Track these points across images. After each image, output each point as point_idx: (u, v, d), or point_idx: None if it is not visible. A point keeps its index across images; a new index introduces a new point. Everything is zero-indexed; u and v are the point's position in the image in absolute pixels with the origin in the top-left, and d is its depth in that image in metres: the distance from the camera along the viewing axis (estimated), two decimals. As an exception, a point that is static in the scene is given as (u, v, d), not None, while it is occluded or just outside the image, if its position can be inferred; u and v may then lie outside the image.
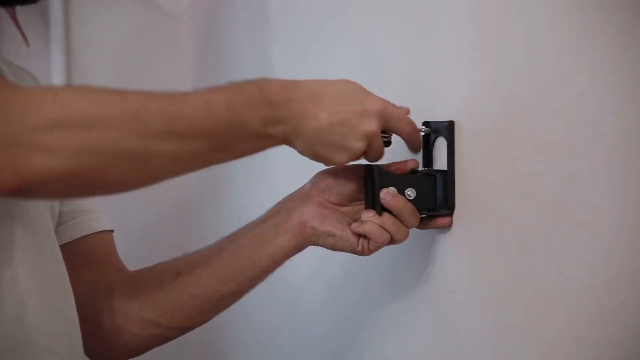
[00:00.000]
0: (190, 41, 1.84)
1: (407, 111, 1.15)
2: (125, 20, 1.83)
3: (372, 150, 1.11)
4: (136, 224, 1.83)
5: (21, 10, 1.57)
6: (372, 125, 1.09)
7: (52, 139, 0.89)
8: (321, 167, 1.20)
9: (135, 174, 0.95)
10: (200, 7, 1.83)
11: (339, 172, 1.20)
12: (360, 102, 1.09)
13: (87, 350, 1.23)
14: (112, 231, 1.29)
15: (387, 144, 1.14)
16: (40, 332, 1.07)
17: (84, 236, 1.25)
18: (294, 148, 1.07)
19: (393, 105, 1.12)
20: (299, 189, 1.22)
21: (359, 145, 1.09)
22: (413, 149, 1.19)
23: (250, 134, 1.02)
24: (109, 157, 0.92)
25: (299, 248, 1.21)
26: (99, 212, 1.27)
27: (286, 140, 1.06)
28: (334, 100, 1.07)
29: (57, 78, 1.76)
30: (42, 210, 1.13)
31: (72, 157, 0.90)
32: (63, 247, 1.21)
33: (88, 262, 1.24)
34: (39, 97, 0.91)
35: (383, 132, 1.12)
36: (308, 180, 1.22)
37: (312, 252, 1.24)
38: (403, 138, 1.16)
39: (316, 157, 1.09)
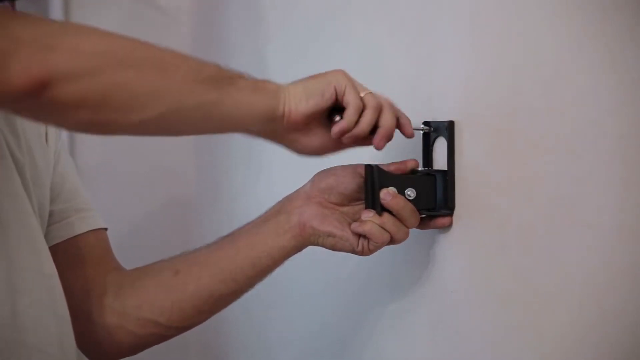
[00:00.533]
0: (190, 41, 1.84)
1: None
2: (125, 20, 1.83)
3: (350, 99, 1.11)
4: (135, 223, 1.83)
5: (21, 10, 1.57)
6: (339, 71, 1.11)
7: (70, 42, 0.94)
8: (320, 166, 1.20)
9: (148, 84, 0.98)
10: (200, 7, 1.83)
11: (339, 172, 1.20)
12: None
13: (85, 348, 1.23)
14: (106, 229, 1.28)
15: None
16: (32, 332, 1.08)
17: (78, 235, 1.24)
18: (289, 102, 1.08)
19: None
20: (299, 189, 1.22)
21: (337, 75, 1.10)
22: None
23: (243, 79, 1.05)
24: (124, 62, 0.96)
25: (298, 248, 1.21)
26: (92, 211, 1.27)
27: (279, 91, 1.07)
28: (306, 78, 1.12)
29: (57, 78, 1.76)
30: (30, 211, 1.13)
31: (89, 56, 0.94)
32: (57, 246, 1.21)
33: (83, 261, 1.24)
34: (53, 21, 0.98)
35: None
36: (307, 179, 1.22)
37: (312, 252, 1.24)
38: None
39: (308, 91, 1.09)
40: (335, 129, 1.10)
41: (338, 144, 1.13)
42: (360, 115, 1.10)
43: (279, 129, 1.09)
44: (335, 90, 1.09)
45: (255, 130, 1.09)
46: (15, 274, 1.07)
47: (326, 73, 1.11)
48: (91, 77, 0.94)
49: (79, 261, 1.23)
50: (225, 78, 1.04)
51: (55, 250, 1.19)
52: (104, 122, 0.98)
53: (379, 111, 1.11)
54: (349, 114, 1.10)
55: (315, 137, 1.11)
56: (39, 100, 0.92)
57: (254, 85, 1.06)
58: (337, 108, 1.10)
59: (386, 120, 1.12)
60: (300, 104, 1.07)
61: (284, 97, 1.07)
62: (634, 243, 1.00)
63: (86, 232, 1.25)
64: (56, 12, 1.79)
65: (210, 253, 1.24)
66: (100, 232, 1.27)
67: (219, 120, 1.05)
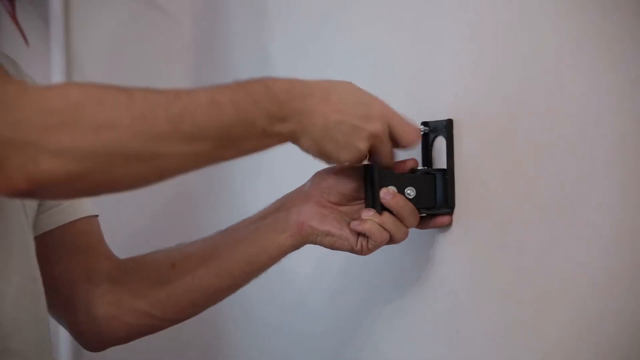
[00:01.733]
0: (191, 41, 1.84)
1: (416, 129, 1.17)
2: (125, 20, 1.83)
3: (381, 151, 1.12)
4: (135, 218, 1.82)
5: (21, 10, 1.57)
6: (377, 126, 1.09)
7: (61, 142, 0.90)
8: (320, 163, 1.20)
9: (142, 174, 0.96)
10: (200, 7, 1.82)
11: (339, 171, 1.20)
12: (367, 105, 1.10)
13: (78, 337, 1.24)
14: (96, 216, 1.28)
15: None
16: (15, 337, 1.07)
17: (70, 222, 1.24)
18: (299, 145, 1.07)
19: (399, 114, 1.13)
20: (298, 187, 1.22)
21: (363, 145, 1.09)
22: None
23: (257, 131, 1.02)
24: (117, 159, 0.93)
25: (296, 246, 1.21)
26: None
27: (292, 137, 1.06)
28: (341, 100, 1.08)
29: (57, 78, 1.77)
30: (16, 206, 1.13)
31: (81, 159, 0.91)
32: (49, 234, 1.21)
33: (75, 249, 1.23)
34: (48, 97, 0.92)
35: None
36: (308, 176, 1.22)
37: (313, 252, 1.24)
38: (403, 146, 1.15)
39: (320, 154, 1.09)
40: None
41: None
42: None
43: None
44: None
45: None
46: (5, 282, 1.07)
47: (357, 133, 1.09)
48: (83, 178, 0.92)
49: (72, 249, 1.23)
50: (237, 135, 1.01)
51: (48, 238, 1.19)
52: (104, 194, 0.98)
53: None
54: None
55: None
56: (33, 196, 0.93)
57: (267, 126, 1.03)
58: None
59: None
60: (310, 152, 1.08)
61: (295, 144, 1.07)
62: (633, 243, 1.00)
63: (78, 219, 1.24)
64: (56, 12, 1.79)
65: (207, 247, 1.23)
66: (92, 219, 1.26)
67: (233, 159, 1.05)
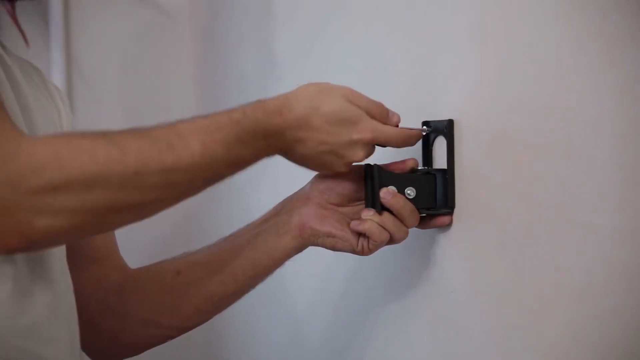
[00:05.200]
0: (190, 41, 1.84)
1: (398, 119, 1.15)
2: (125, 20, 1.83)
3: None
4: (137, 223, 1.82)
5: (21, 10, 1.57)
6: (359, 155, 1.12)
7: (54, 202, 0.93)
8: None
9: (132, 219, 1.00)
10: (200, 7, 1.83)
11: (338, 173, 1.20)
12: (350, 132, 1.11)
13: (88, 349, 1.23)
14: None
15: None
16: (48, 344, 1.07)
17: None
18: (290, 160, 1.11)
19: (384, 127, 1.13)
20: (299, 190, 1.23)
21: (343, 169, 1.13)
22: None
23: (244, 165, 1.06)
24: (109, 213, 0.97)
25: (298, 249, 1.21)
26: None
27: (277, 154, 1.10)
28: (322, 128, 1.09)
29: (57, 78, 1.76)
30: None
31: (74, 217, 0.94)
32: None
33: (90, 262, 1.24)
34: (41, 156, 0.93)
35: None
36: (308, 180, 1.22)
37: (312, 253, 1.24)
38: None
39: (313, 168, 1.15)
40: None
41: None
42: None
43: None
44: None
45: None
46: (41, 286, 1.07)
47: (338, 162, 1.11)
48: (77, 231, 0.96)
49: (87, 261, 1.23)
50: (225, 173, 1.05)
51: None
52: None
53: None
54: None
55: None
56: (28, 252, 0.98)
57: (254, 159, 1.07)
58: None
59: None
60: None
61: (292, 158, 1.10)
62: (632, 243, 1.00)
63: None
64: (56, 12, 1.78)
65: (211, 254, 1.24)
66: (108, 233, 1.27)
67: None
